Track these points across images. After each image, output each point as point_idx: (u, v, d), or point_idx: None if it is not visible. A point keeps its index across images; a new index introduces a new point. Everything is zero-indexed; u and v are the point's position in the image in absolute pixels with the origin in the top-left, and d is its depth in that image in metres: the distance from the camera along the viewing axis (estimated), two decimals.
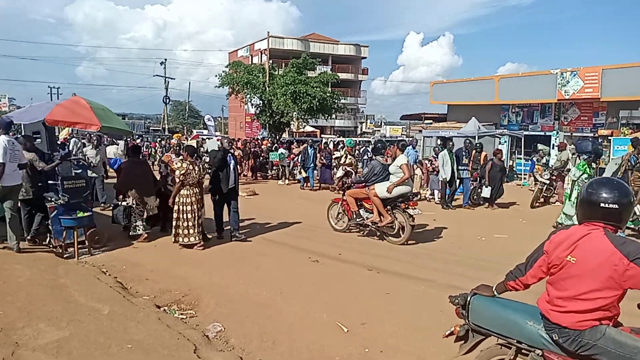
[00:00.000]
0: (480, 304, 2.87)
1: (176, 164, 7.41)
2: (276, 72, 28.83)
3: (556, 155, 13.82)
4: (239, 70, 27.94)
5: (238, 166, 8.67)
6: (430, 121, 30.51)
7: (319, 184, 15.95)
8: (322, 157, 15.82)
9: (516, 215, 11.03)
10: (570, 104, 21.00)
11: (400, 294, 5.41)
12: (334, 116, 32.53)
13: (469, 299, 2.91)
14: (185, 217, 7.09)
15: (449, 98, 26.19)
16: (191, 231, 7.12)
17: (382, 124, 59.11)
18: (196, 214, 7.15)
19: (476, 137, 17.45)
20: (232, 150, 8.13)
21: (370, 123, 56.82)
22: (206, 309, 4.90)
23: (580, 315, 2.39)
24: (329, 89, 27.45)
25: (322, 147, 18.45)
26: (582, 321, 2.39)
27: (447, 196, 11.92)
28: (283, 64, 31.23)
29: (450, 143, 12.20)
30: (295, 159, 17.55)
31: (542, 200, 12.54)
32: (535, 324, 2.60)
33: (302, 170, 15.90)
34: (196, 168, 7.25)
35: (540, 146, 15.98)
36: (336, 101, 28.08)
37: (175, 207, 7.11)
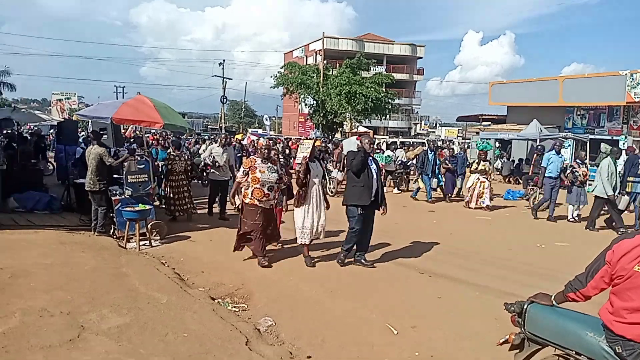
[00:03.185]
0: (538, 312, 2.77)
1: (259, 172, 6.19)
2: (330, 73, 28.99)
3: (624, 160, 13.01)
4: (293, 70, 28.34)
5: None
6: (489, 123, 29.59)
7: (443, 195, 13.34)
8: (446, 161, 13.19)
9: (580, 223, 10.49)
10: None
11: (452, 299, 5.30)
12: (387, 117, 32.24)
13: (525, 307, 2.82)
14: (175, 197, 8.86)
15: (509, 99, 25.30)
16: (178, 208, 8.91)
17: (437, 125, 58.06)
18: (182, 195, 8.90)
19: (537, 140, 16.81)
20: (374, 153, 6.97)
21: (425, 124, 55.99)
22: (258, 303, 5.01)
23: None
24: (383, 90, 27.31)
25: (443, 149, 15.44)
26: None
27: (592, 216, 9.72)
28: (337, 65, 31.34)
29: (619, 149, 10.34)
30: (410, 163, 15.51)
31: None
32: (596, 336, 2.48)
33: (419, 179, 13.38)
34: (182, 158, 9.08)
35: (603, 146, 14.33)
36: (390, 102, 27.88)
37: (169, 190, 8.93)
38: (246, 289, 5.40)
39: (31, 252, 6.16)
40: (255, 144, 16.56)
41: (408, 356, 3.93)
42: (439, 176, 13.09)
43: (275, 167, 6.37)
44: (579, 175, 10.39)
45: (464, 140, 32.75)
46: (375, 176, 6.24)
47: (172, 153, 9.24)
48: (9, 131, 15.93)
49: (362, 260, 6.38)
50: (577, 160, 10.91)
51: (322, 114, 27.73)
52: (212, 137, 27.07)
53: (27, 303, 4.43)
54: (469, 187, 12.18)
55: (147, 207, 7.34)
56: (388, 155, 15.04)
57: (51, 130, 25.37)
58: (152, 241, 7.23)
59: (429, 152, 13.17)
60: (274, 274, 5.97)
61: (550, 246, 8.15)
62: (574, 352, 2.58)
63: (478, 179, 11.97)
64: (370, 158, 6.36)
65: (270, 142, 9.37)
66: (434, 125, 58.25)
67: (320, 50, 33.38)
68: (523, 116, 22.54)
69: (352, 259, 6.47)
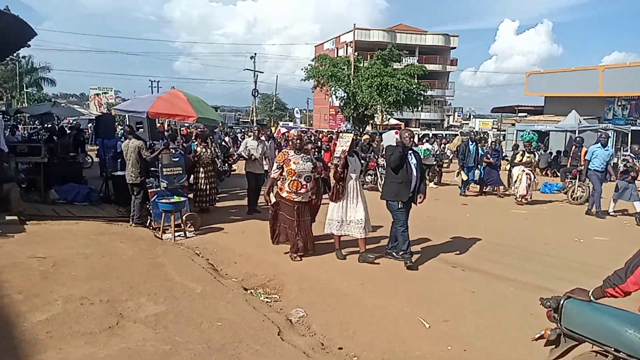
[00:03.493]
0: (575, 308, 2.70)
1: (294, 163, 6.09)
2: (361, 65, 28.80)
3: None
4: (324, 63, 28.27)
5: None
6: (525, 114, 28.88)
7: (480, 189, 12.85)
8: (488, 155, 12.70)
9: (620, 217, 10.14)
10: None
11: (486, 293, 5.22)
12: (419, 109, 31.83)
13: (562, 302, 2.75)
14: (201, 188, 8.90)
15: (546, 89, 24.63)
16: (204, 199, 8.96)
17: (471, 116, 56.97)
18: (209, 187, 9.00)
19: (576, 132, 16.32)
20: (416, 146, 6.70)
21: (458, 116, 55.01)
22: (289, 295, 5.06)
23: None
24: (415, 81, 26.95)
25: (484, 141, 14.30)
26: None
27: None
28: (369, 56, 31.10)
29: None
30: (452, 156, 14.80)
31: None
32: (636, 332, 2.40)
33: (461, 172, 12.75)
34: (208, 151, 9.11)
35: None
36: (422, 93, 27.50)
37: (195, 180, 8.96)
38: (278, 280, 5.46)
39: (72, 242, 6.39)
40: (287, 136, 16.58)
41: (440, 350, 3.90)
42: (480, 168, 12.66)
43: (308, 157, 6.32)
44: (634, 168, 9.83)
45: (498, 132, 32.05)
46: (414, 171, 6.00)
47: (199, 145, 9.32)
48: (50, 125, 16.56)
49: (394, 254, 6.28)
50: (631, 155, 10.34)
51: (352, 107, 27.58)
52: (243, 130, 27.24)
53: (69, 291, 4.60)
54: (515, 181, 11.55)
55: (182, 199, 7.50)
56: (427, 149, 14.36)
57: (89, 124, 26.21)
58: (187, 232, 7.40)
59: (470, 143, 12.69)
60: (305, 266, 6.02)
61: (589, 241, 7.91)
62: (612, 349, 2.50)
63: (523, 170, 11.27)
64: (411, 152, 6.13)
65: (302, 133, 9.15)
66: (468, 116, 57.11)
67: (351, 42, 33.17)
68: (561, 107, 21.92)
69: (384, 254, 6.38)
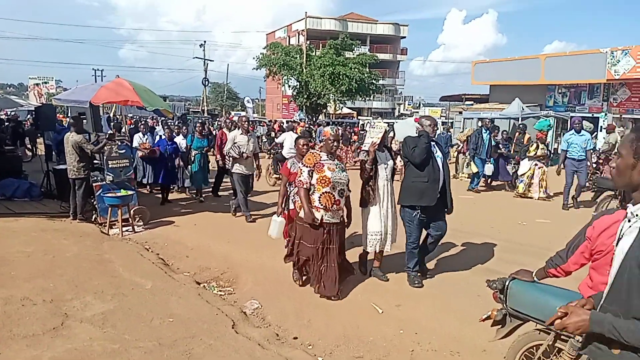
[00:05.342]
0: (519, 288, 2.81)
1: (328, 169, 4.60)
2: (314, 54, 28.72)
3: (604, 137, 13.17)
4: (276, 51, 28.02)
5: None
6: (472, 102, 29.69)
7: (486, 182, 11.91)
8: (500, 146, 11.66)
9: (560, 201, 10.64)
10: (621, 84, 19.98)
11: (435, 277, 5.36)
12: (371, 98, 32.19)
13: (507, 283, 2.86)
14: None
15: (491, 78, 25.40)
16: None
17: (421, 105, 58.11)
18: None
19: (519, 119, 16.95)
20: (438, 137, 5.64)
21: (409, 105, 55.95)
22: (244, 287, 5.02)
23: None
24: (367, 70, 27.18)
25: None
26: None
27: None
28: (321, 45, 31.07)
29: None
30: (461, 147, 13.63)
31: (588, 184, 12.04)
32: None
33: (471, 163, 11.66)
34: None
35: (585, 123, 13.59)
36: (374, 82, 27.78)
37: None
38: (232, 273, 5.40)
39: (12, 240, 6.07)
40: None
41: (393, 334, 3.98)
42: (492, 161, 11.42)
43: (342, 165, 4.87)
44: None
45: (447, 120, 32.90)
46: (441, 167, 4.97)
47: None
48: None
49: (415, 279, 5.10)
50: None
51: (305, 96, 27.52)
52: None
53: (9, 292, 4.38)
54: (523, 175, 10.47)
55: (129, 192, 7.24)
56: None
57: (28, 116, 24.82)
58: (135, 227, 7.16)
59: (484, 131, 11.27)
60: (259, 257, 5.96)
61: (531, 224, 8.27)
62: (554, 327, 2.62)
63: (536, 164, 10.15)
64: (434, 143, 5.07)
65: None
66: (418, 105, 58.22)
67: (303, 30, 32.94)
68: (505, 95, 22.68)
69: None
